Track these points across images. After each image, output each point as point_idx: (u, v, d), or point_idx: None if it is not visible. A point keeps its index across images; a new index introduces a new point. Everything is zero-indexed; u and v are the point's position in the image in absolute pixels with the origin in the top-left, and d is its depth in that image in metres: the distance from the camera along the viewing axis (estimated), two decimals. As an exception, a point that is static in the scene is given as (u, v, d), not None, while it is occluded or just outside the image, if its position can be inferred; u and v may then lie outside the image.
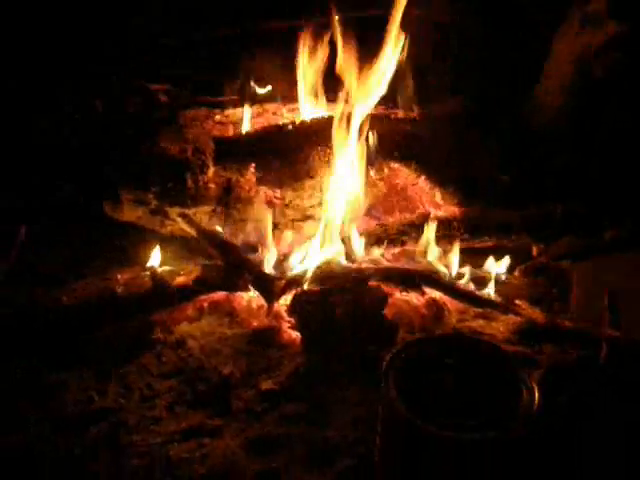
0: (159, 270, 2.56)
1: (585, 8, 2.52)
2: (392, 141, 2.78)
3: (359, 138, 2.55)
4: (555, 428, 1.66)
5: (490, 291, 2.53)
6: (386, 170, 2.78)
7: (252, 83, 3.15)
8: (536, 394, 1.53)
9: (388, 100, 2.99)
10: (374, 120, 2.73)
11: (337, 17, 2.52)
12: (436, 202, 2.84)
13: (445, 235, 2.73)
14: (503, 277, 2.62)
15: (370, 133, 2.66)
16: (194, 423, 1.99)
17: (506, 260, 2.63)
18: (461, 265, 2.67)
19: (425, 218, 2.75)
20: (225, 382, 2.14)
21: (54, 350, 2.26)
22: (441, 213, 2.80)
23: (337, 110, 2.58)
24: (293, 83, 2.88)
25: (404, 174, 2.82)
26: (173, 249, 2.68)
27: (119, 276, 2.51)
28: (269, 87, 3.19)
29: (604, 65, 2.51)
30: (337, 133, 2.57)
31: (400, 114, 2.97)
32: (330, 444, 1.89)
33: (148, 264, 2.61)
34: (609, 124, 2.35)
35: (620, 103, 2.36)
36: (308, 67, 2.87)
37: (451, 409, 1.52)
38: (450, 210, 2.82)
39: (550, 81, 2.67)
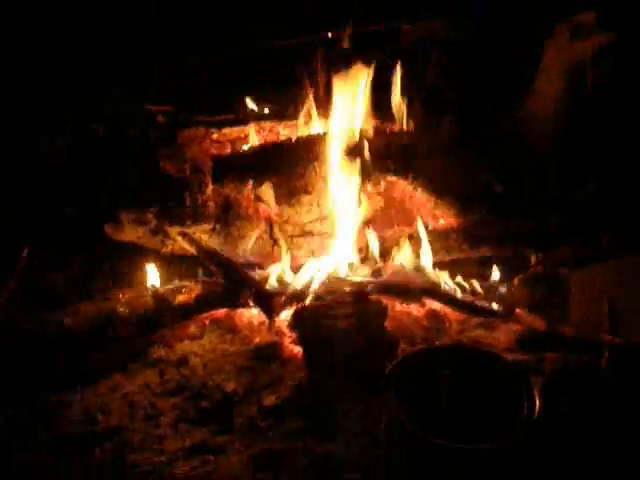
0: (160, 289, 2.58)
1: (574, 19, 2.56)
2: (388, 154, 2.80)
3: (353, 152, 2.59)
4: (557, 435, 1.66)
5: (490, 300, 2.55)
6: (383, 183, 2.81)
7: (249, 101, 3.19)
8: (537, 402, 1.54)
9: (384, 114, 3.04)
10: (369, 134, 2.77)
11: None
12: (434, 214, 2.86)
13: (444, 246, 2.75)
14: (503, 286, 2.64)
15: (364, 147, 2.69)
16: (198, 440, 1.99)
17: (505, 269, 2.64)
18: (460, 275, 2.70)
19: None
20: (228, 399, 2.15)
21: (58, 370, 2.28)
22: (439, 225, 2.83)
23: (329, 126, 2.63)
24: (290, 101, 2.92)
25: (401, 187, 2.84)
26: (174, 268, 2.70)
27: (121, 296, 2.53)
28: (266, 106, 3.23)
29: (594, 75, 2.54)
30: (329, 149, 2.62)
31: (395, 127, 2.99)
32: (334, 458, 1.89)
33: (149, 283, 2.63)
34: (600, 133, 2.37)
35: (610, 112, 2.39)
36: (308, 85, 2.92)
37: (454, 418, 1.53)
38: (448, 221, 2.84)
39: (541, 91, 2.70)
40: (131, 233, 2.75)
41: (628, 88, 2.37)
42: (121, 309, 2.47)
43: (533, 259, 2.63)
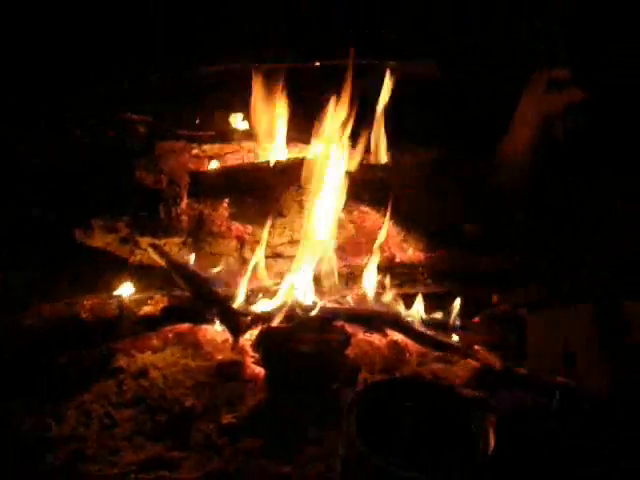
0: (126, 298, 2.57)
1: (551, 72, 2.68)
2: (363, 185, 2.86)
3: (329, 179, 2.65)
4: (508, 471, 1.71)
5: (450, 335, 2.61)
6: (356, 213, 2.86)
7: (232, 119, 3.22)
8: (491, 438, 1.59)
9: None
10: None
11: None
12: (402, 247, 2.92)
13: (409, 279, 2.82)
14: (463, 322, 2.71)
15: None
16: (153, 454, 1.98)
17: (466, 306, 2.71)
18: (423, 309, 2.75)
19: (390, 261, 2.84)
20: (186, 414, 2.14)
21: (12, 374, 2.24)
22: (406, 257, 2.89)
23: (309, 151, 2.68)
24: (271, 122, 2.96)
25: (373, 217, 2.89)
26: (141, 278, 2.69)
27: (85, 301, 2.51)
28: (246, 125, 3.27)
29: (566, 128, 2.66)
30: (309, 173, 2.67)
31: (372, 159, 3.07)
32: (289, 480, 1.91)
33: (115, 291, 2.62)
34: (570, 180, 2.48)
35: (581, 160, 2.51)
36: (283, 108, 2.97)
37: (412, 449, 1.57)
38: (415, 255, 2.90)
39: (515, 138, 2.81)
40: (101, 239, 2.74)
41: (599, 140, 2.50)
42: (84, 315, 2.44)
43: (494, 298, 2.70)
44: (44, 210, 2.92)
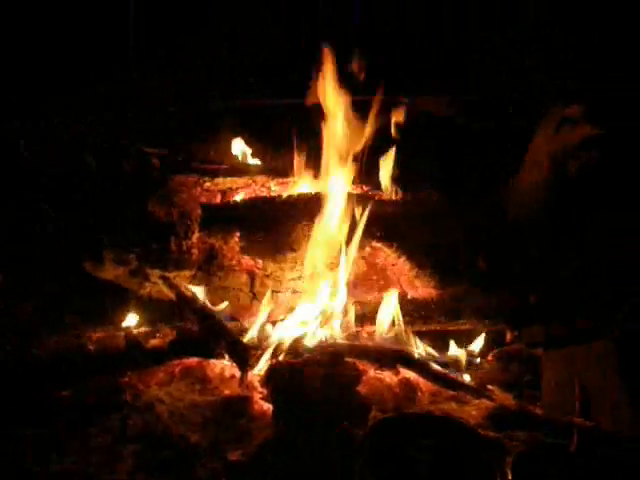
0: (134, 331, 2.54)
1: (563, 109, 2.69)
2: (375, 221, 2.85)
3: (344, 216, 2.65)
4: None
5: (463, 375, 2.55)
6: (367, 249, 2.84)
7: (243, 154, 3.25)
8: (509, 478, 1.53)
9: (373, 182, 3.12)
10: (359, 200, 2.83)
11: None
12: (414, 284, 2.89)
13: (421, 317, 2.77)
14: (477, 361, 2.65)
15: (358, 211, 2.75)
16: (155, 491, 1.93)
17: (480, 343, 2.66)
18: (436, 347, 2.70)
19: (402, 298, 2.80)
20: (191, 450, 2.08)
21: (16, 406, 2.20)
22: (418, 294, 2.85)
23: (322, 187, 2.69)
24: (284, 158, 2.98)
25: (384, 254, 2.87)
26: (150, 311, 2.67)
27: (92, 334, 2.49)
28: (258, 161, 3.29)
29: (578, 164, 2.65)
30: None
31: (384, 196, 3.06)
32: (296, 522, 1.84)
33: (123, 324, 2.60)
34: (585, 216, 2.46)
35: (593, 200, 2.49)
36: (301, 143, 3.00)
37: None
38: (427, 292, 2.86)
39: (528, 175, 2.80)
40: (111, 271, 2.73)
41: (613, 176, 2.48)
42: (91, 347, 2.42)
43: (509, 336, 2.65)
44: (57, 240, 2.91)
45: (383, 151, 3.07)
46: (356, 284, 2.88)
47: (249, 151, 3.36)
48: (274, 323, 2.63)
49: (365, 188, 3.11)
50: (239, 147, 3.31)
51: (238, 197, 2.98)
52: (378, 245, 2.85)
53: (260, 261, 2.77)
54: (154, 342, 2.51)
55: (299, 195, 2.89)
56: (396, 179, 3.10)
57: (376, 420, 2.05)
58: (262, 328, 2.58)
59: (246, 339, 2.51)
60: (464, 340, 2.73)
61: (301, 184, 3.03)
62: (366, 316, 2.77)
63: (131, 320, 2.62)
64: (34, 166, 2.95)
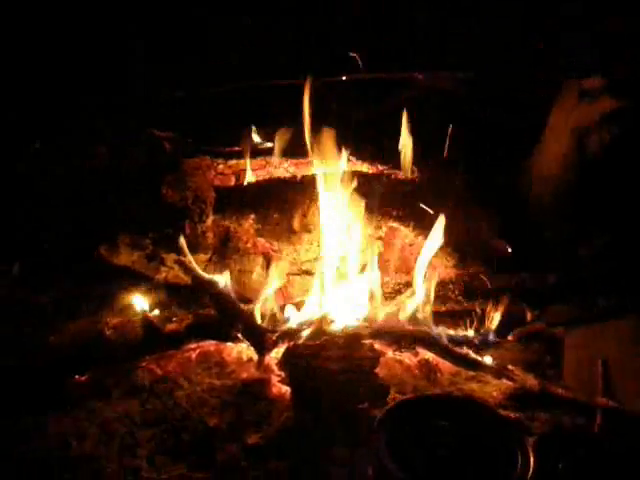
0: (151, 315, 2.54)
1: (583, 82, 2.60)
2: (392, 201, 2.81)
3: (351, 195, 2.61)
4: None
5: (483, 355, 2.51)
6: (384, 229, 2.80)
7: (255, 135, 3.20)
8: (531, 460, 1.50)
9: (389, 161, 3.06)
10: (375, 179, 2.79)
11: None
12: (432, 264, 2.84)
13: (440, 297, 2.73)
14: (497, 341, 2.61)
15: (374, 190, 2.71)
16: (175, 475, 1.92)
17: (500, 323, 2.62)
18: (455, 327, 2.67)
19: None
20: (210, 434, 2.08)
21: (35, 391, 2.21)
22: (437, 274, 2.80)
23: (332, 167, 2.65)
24: (298, 138, 2.94)
25: (402, 234, 2.83)
26: (167, 295, 2.67)
27: (109, 319, 2.49)
28: (269, 143, 3.24)
29: (599, 139, 2.57)
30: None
31: (400, 175, 3.01)
32: (315, 504, 1.83)
33: (140, 309, 2.59)
34: (607, 193, 2.39)
35: (617, 172, 2.42)
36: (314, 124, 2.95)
37: (444, 471, 1.48)
38: (446, 272, 2.82)
39: (547, 152, 2.73)
40: (126, 257, 2.73)
41: (635, 150, 2.41)
42: (108, 332, 2.42)
43: (529, 316, 2.60)
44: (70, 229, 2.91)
45: (399, 131, 3.02)
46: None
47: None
48: (291, 306, 2.61)
49: (381, 167, 3.05)
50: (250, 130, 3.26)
51: (252, 179, 2.94)
52: (395, 225, 2.81)
53: (276, 243, 2.74)
54: (171, 326, 2.50)
55: (314, 175, 2.84)
56: (413, 158, 3.04)
57: (394, 402, 2.03)
58: (279, 311, 2.56)
59: (263, 322, 2.49)
60: (483, 320, 2.69)
61: (316, 165, 2.98)
62: (384, 297, 2.74)
63: (147, 305, 2.61)
64: (48, 158, 2.94)
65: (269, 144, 3.12)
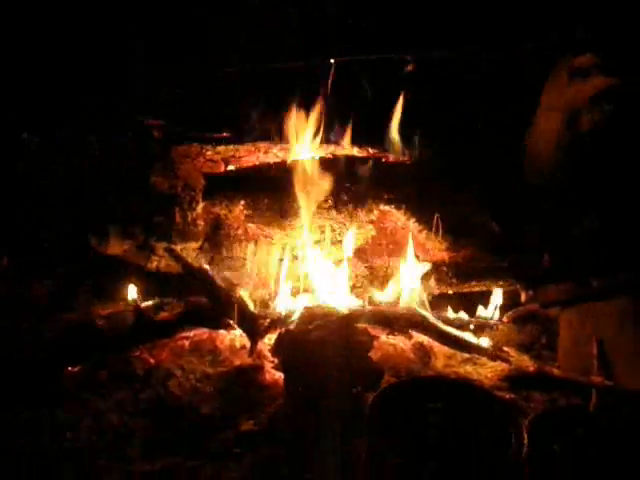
0: (142, 305, 2.52)
1: (574, 60, 2.57)
2: (383, 184, 2.78)
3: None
4: (543, 475, 1.60)
5: (478, 337, 2.51)
6: (376, 212, 2.77)
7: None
8: (525, 439, 1.49)
9: (381, 144, 3.04)
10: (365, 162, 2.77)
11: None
12: (425, 247, 2.83)
13: (433, 279, 2.72)
14: (492, 323, 2.61)
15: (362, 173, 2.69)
16: (169, 464, 1.91)
17: (494, 305, 2.62)
18: (449, 310, 2.66)
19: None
20: (204, 422, 2.07)
21: (29, 383, 2.19)
22: (430, 257, 2.79)
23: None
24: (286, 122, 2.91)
25: (394, 217, 2.80)
26: (158, 284, 2.65)
27: (101, 310, 2.47)
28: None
29: (590, 118, 2.54)
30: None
31: (391, 158, 2.98)
32: (309, 490, 1.82)
33: (131, 298, 2.58)
34: (600, 171, 2.37)
35: (610, 151, 2.39)
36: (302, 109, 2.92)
37: (438, 452, 1.47)
38: (439, 255, 2.80)
39: (539, 131, 2.69)
40: (117, 247, 2.70)
41: (628, 129, 2.38)
42: (100, 323, 2.41)
43: (524, 297, 2.59)
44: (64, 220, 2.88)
45: (391, 113, 2.99)
46: (365, 249, 2.83)
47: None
48: (283, 291, 2.60)
49: (372, 151, 3.02)
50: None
51: (240, 164, 2.90)
52: (387, 208, 2.78)
53: (266, 229, 2.72)
54: (163, 315, 2.49)
55: (303, 160, 2.82)
56: (404, 140, 3.02)
57: (388, 384, 2.02)
58: (271, 297, 2.55)
59: (254, 309, 2.48)
60: (477, 302, 2.68)
61: (303, 149, 2.95)
62: (376, 280, 2.73)
63: (139, 294, 2.59)
64: (38, 150, 2.91)
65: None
